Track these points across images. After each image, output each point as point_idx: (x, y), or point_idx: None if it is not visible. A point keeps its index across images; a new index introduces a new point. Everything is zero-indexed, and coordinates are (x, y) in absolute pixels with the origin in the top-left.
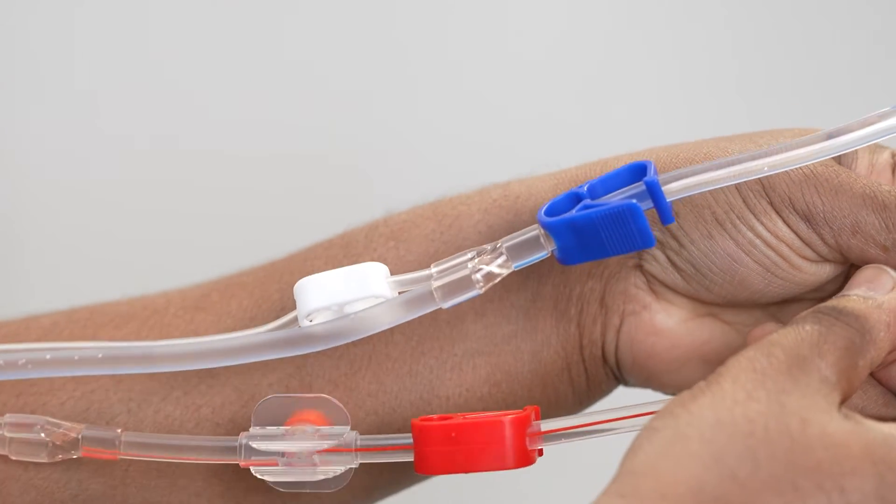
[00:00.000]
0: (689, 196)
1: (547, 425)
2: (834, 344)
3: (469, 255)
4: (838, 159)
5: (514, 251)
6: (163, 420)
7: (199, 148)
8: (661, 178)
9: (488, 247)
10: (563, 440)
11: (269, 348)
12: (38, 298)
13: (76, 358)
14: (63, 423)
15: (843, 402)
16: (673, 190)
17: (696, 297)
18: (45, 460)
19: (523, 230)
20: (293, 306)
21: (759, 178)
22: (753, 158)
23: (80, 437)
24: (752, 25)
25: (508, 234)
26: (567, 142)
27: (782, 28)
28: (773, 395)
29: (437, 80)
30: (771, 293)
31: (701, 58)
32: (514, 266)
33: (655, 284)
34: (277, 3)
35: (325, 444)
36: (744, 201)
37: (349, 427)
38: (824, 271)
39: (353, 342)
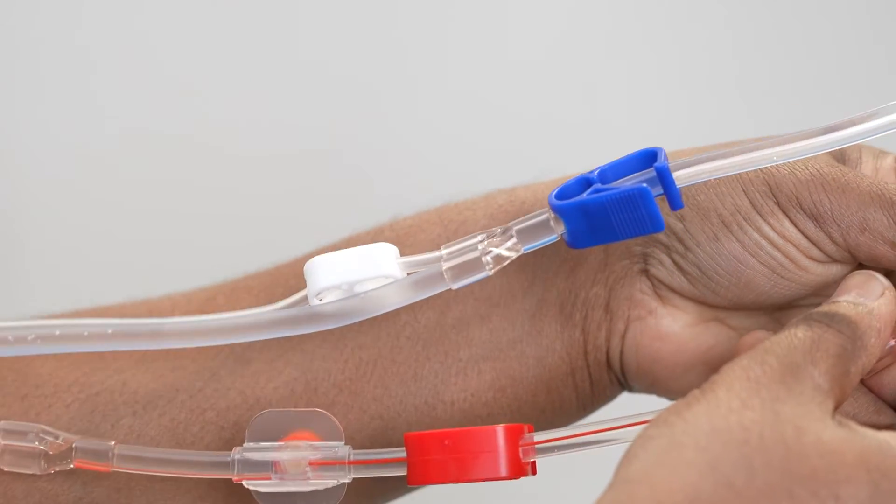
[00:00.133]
0: (694, 200)
1: (540, 436)
2: (826, 351)
3: (479, 238)
4: (842, 162)
5: (524, 234)
6: (168, 423)
7: (199, 148)
8: (671, 164)
9: (498, 229)
10: (557, 452)
11: (279, 326)
12: (38, 298)
13: (86, 334)
14: (57, 432)
15: (836, 409)
16: (683, 176)
17: (701, 300)
18: (37, 472)
19: (534, 213)
20: None
21: (765, 180)
22: (763, 147)
23: (73, 448)
24: (753, 25)
25: None
26: (568, 142)
27: (783, 29)
28: (767, 403)
29: (439, 79)
30: (777, 295)
31: (704, 59)
32: (524, 249)
33: (661, 289)
34: (279, 2)
35: (317, 456)
36: (750, 202)
37: (343, 442)
38: (830, 272)
39: (358, 346)
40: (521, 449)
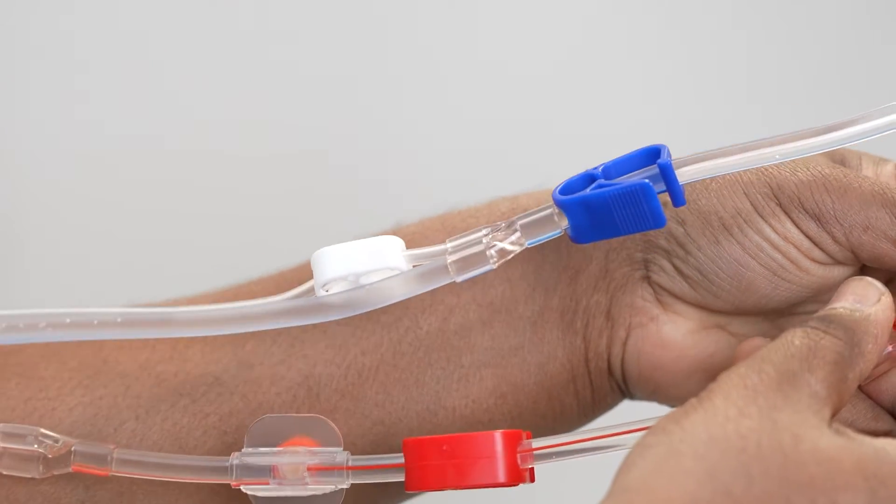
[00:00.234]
0: (695, 204)
1: (538, 443)
2: (823, 358)
3: (483, 232)
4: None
5: (528, 228)
6: (170, 427)
7: (199, 148)
8: (674, 161)
9: (503, 223)
10: (555, 458)
11: (286, 316)
12: (38, 299)
13: (95, 322)
14: (56, 435)
15: (834, 415)
16: (686, 173)
17: (703, 304)
18: (36, 476)
19: (538, 208)
20: None
21: (767, 182)
22: (765, 146)
23: (72, 451)
24: (763, 27)
25: None
26: (572, 150)
27: (790, 30)
28: (764, 411)
29: (442, 83)
30: (778, 298)
31: (709, 61)
32: (528, 243)
33: (663, 295)
34: (279, 3)
35: (315, 461)
36: (752, 205)
37: (341, 448)
38: (831, 274)
39: (360, 352)
40: (518, 455)
